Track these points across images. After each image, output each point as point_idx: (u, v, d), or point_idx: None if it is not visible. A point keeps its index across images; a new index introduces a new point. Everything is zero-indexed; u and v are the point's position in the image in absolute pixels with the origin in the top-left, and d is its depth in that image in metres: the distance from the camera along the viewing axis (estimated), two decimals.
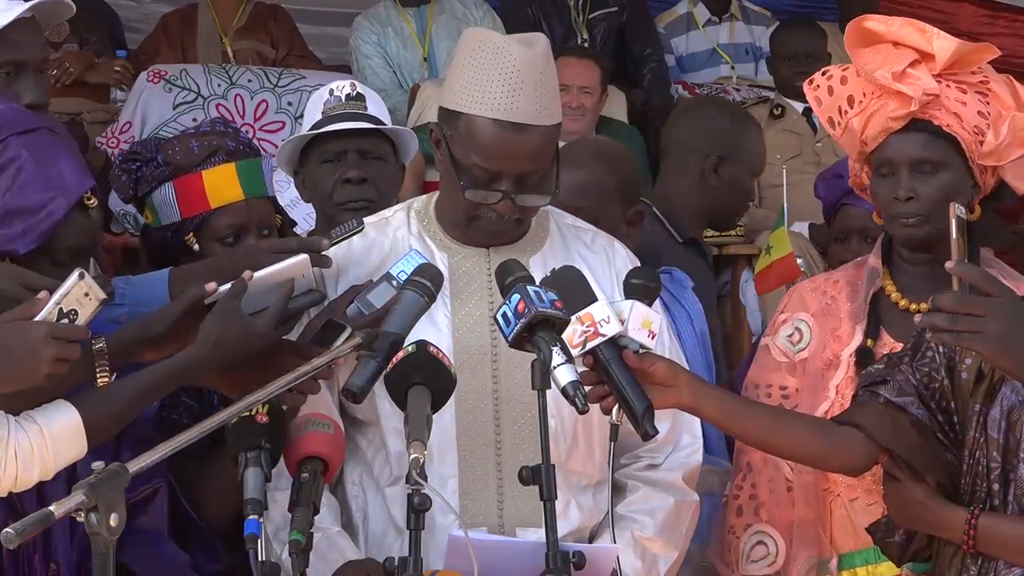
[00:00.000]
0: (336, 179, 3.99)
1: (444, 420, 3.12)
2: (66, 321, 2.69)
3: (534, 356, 3.06)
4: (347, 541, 3.15)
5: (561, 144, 6.85)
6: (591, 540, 3.23)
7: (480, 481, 3.15)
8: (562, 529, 3.08)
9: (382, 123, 4.13)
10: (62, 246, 3.08)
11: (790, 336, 3.54)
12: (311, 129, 4.06)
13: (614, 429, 2.89)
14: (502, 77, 3.08)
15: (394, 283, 3.08)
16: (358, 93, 4.12)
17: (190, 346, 3.01)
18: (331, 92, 4.11)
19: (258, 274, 3.09)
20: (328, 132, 4.02)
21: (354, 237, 3.25)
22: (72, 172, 3.09)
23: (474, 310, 3.21)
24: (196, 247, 3.55)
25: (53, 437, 2.81)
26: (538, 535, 3.02)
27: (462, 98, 3.12)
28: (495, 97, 3.08)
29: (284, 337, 3.20)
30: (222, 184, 3.54)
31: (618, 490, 3.27)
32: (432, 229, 3.28)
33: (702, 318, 4.13)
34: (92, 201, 3.10)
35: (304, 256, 3.14)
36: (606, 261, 3.32)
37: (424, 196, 3.38)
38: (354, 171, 3.98)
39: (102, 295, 2.74)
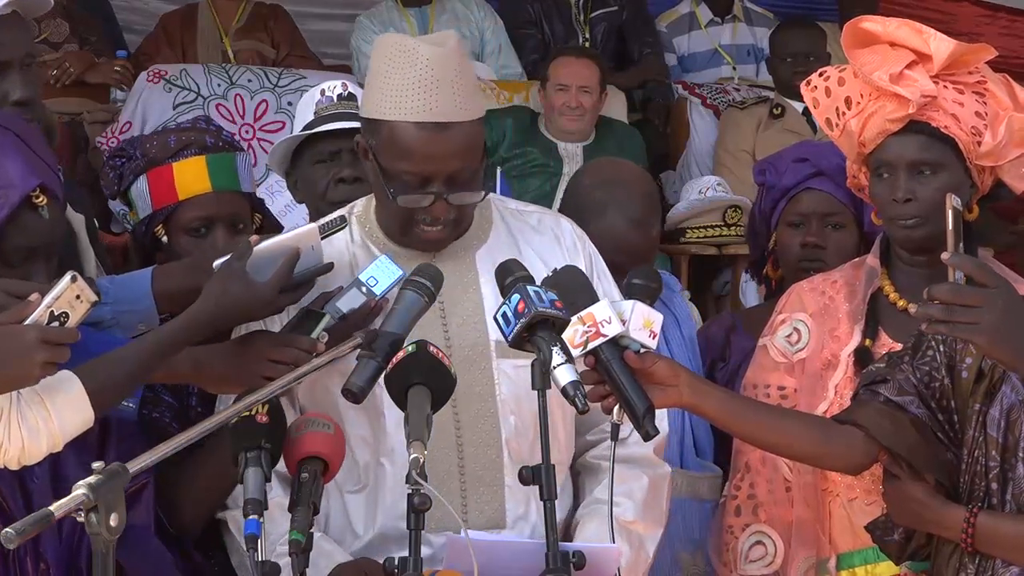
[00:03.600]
0: (330, 179, 4.00)
1: (405, 427, 3.10)
2: (56, 324, 2.69)
3: (490, 355, 3.07)
4: (332, 545, 3.14)
5: (572, 145, 6.88)
6: (570, 530, 3.21)
7: (444, 485, 3.09)
8: (523, 529, 3.10)
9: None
10: (11, 247, 3.03)
11: (788, 336, 3.55)
12: (304, 129, 4.07)
13: (615, 428, 2.88)
14: (416, 79, 3.05)
15: (363, 289, 3.08)
16: (350, 93, 4.12)
17: (192, 305, 3.02)
18: (323, 92, 4.11)
19: (265, 244, 3.10)
20: (321, 132, 4.02)
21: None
22: (17, 171, 3.04)
23: (425, 314, 3.14)
24: (164, 239, 3.56)
25: (56, 407, 2.81)
26: (502, 536, 3.05)
27: (380, 106, 3.09)
28: (411, 100, 3.05)
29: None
30: (191, 176, 3.55)
31: (591, 472, 3.27)
32: (375, 235, 3.25)
33: (691, 322, 4.13)
34: (41, 199, 3.07)
35: (312, 226, 3.15)
36: (554, 240, 3.29)
37: (363, 199, 3.34)
38: (348, 170, 3.98)
39: (93, 297, 2.74)
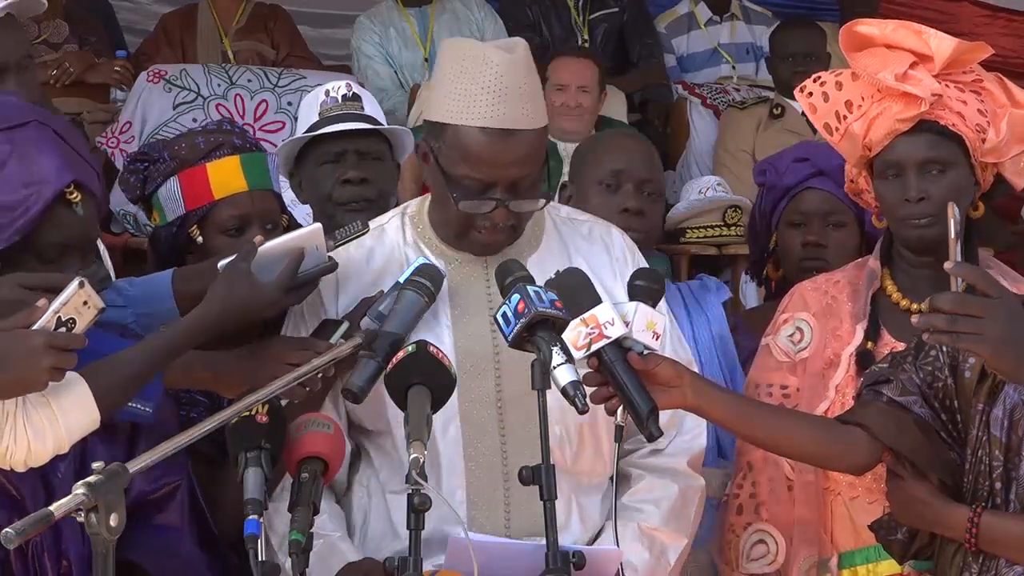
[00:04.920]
0: (335, 180, 4.00)
1: (450, 431, 3.12)
2: (64, 330, 2.69)
3: (535, 359, 3.07)
4: (348, 545, 3.15)
5: (563, 142, 6.87)
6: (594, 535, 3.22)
7: (487, 490, 3.12)
8: (564, 540, 3.07)
9: (379, 123, 4.13)
10: (45, 242, 3.03)
11: (791, 336, 3.55)
12: (308, 130, 4.07)
13: (618, 430, 2.89)
14: (485, 85, 3.06)
15: None
16: (354, 93, 4.12)
17: (198, 306, 3.02)
18: (327, 93, 4.11)
19: (270, 244, 3.10)
20: (327, 133, 4.02)
21: (351, 247, 3.23)
22: (52, 166, 3.04)
23: (474, 316, 3.18)
24: (200, 239, 3.56)
25: (61, 408, 2.81)
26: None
27: (447, 109, 3.10)
28: (480, 105, 3.06)
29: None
30: (226, 175, 3.55)
31: (623, 479, 3.27)
32: (427, 236, 3.26)
33: (723, 323, 4.11)
34: (75, 195, 3.08)
35: (317, 226, 3.15)
36: (604, 250, 3.30)
37: (417, 200, 3.35)
38: (353, 171, 3.99)
39: (100, 304, 2.75)
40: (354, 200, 3.97)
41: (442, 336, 3.14)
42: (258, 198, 3.57)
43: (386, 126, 4.17)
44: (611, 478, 3.26)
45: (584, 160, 3.91)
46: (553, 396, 2.95)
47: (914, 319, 2.79)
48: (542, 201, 3.17)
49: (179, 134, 3.76)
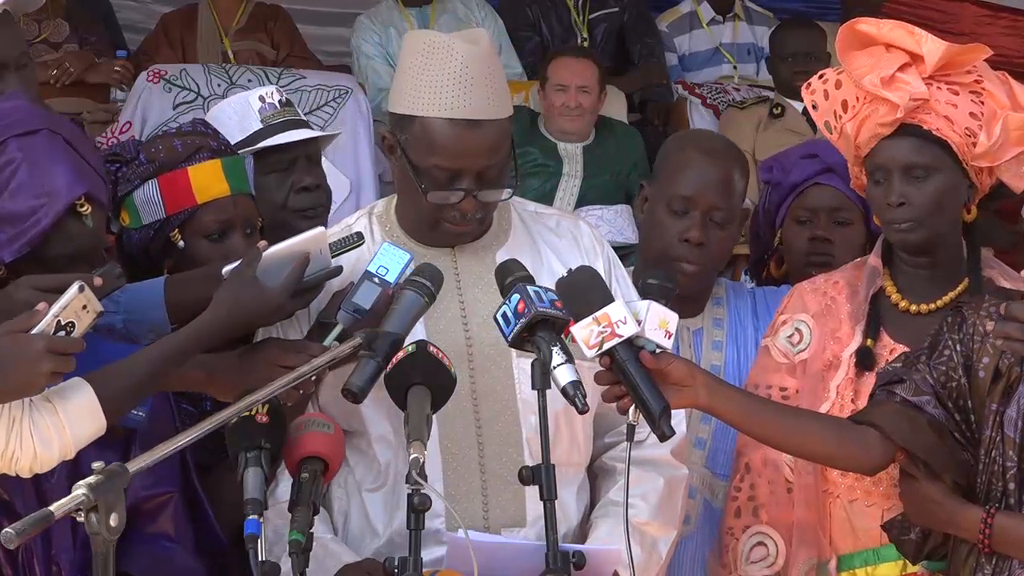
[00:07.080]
0: (290, 187, 3.96)
1: None
2: (63, 334, 2.70)
3: (510, 354, 3.07)
4: (342, 547, 3.15)
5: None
6: (586, 530, 3.22)
7: (465, 483, 3.12)
8: (542, 528, 3.08)
9: (312, 126, 4.13)
10: (55, 254, 3.05)
11: (790, 337, 3.54)
12: (253, 136, 3.99)
13: (630, 429, 2.89)
14: (451, 75, 3.08)
15: (376, 280, 3.07)
16: (287, 99, 4.08)
17: (204, 312, 3.02)
18: (262, 99, 4.02)
19: (273, 248, 3.10)
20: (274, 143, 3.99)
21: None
22: (64, 177, 3.04)
23: (446, 311, 3.17)
24: (181, 244, 3.54)
25: (68, 415, 2.81)
26: (523, 535, 3.07)
27: (414, 101, 3.11)
28: (446, 96, 3.08)
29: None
30: (209, 179, 3.53)
31: (608, 474, 3.27)
32: (395, 234, 3.26)
33: None
34: (85, 207, 3.07)
35: (320, 229, 3.15)
36: (573, 242, 3.30)
37: (384, 200, 3.36)
38: (309, 178, 3.95)
39: (100, 308, 2.75)
40: (311, 207, 3.95)
41: (414, 331, 3.12)
42: (240, 202, 3.55)
43: (330, 132, 4.17)
44: (591, 472, 3.30)
45: (661, 170, 3.83)
46: (527, 384, 2.92)
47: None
48: (508, 191, 3.18)
49: (152, 137, 3.71)
